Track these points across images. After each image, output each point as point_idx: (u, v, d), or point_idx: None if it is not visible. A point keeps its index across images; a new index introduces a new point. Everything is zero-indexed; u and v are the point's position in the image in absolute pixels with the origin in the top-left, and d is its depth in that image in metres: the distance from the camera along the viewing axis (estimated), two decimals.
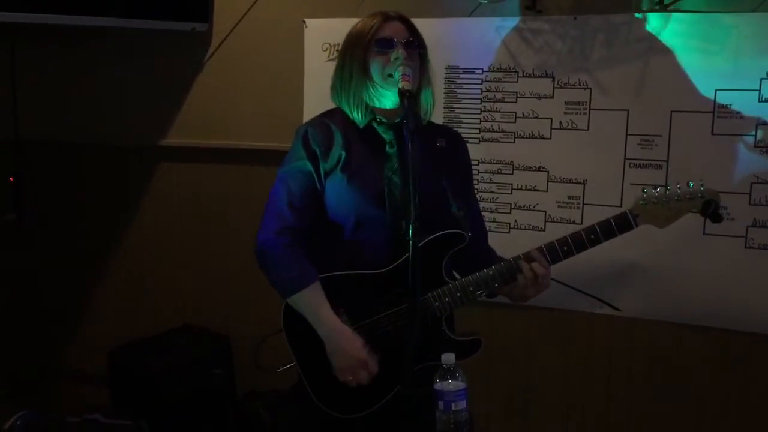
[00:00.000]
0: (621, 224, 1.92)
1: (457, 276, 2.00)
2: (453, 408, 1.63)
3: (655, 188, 1.93)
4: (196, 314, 3.53)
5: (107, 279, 3.75)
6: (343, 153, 1.97)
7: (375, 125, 2.00)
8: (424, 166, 1.96)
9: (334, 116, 2.04)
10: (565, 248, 1.93)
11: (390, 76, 1.90)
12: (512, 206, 2.90)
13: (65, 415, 2.98)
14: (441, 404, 1.64)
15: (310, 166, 1.98)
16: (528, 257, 1.93)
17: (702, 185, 1.90)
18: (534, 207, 2.87)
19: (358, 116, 1.99)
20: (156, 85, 3.48)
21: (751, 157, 2.56)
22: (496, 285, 1.95)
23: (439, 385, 1.64)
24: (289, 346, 2.02)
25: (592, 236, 1.92)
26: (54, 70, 3.64)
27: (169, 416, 3.11)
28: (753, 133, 2.55)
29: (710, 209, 1.89)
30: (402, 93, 1.82)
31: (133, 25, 3.06)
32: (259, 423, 3.10)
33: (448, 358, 1.67)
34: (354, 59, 1.97)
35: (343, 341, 1.91)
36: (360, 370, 1.90)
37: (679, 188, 1.91)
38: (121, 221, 3.66)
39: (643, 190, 1.93)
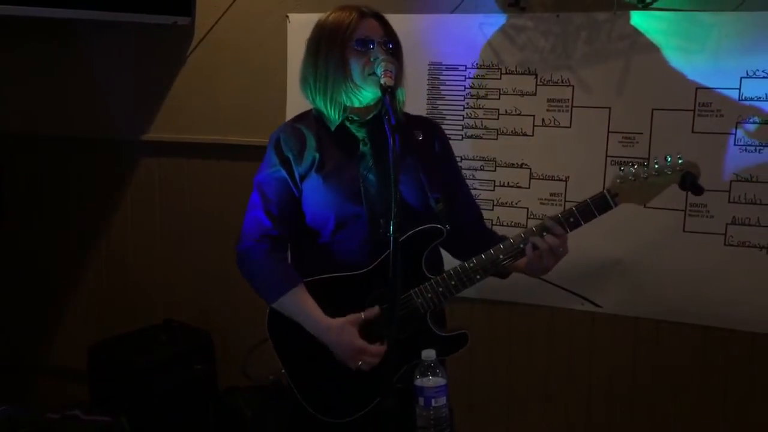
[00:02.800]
0: (599, 204, 1.87)
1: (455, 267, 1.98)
2: (433, 404, 1.63)
3: (632, 165, 1.88)
4: (178, 310, 3.51)
5: (88, 274, 3.72)
6: (317, 155, 1.96)
7: (347, 124, 1.98)
8: (402, 161, 1.94)
9: (305, 119, 2.03)
10: (544, 233, 1.88)
11: (371, 74, 1.88)
12: (494, 203, 2.90)
13: (45, 412, 2.96)
14: (421, 400, 1.64)
15: (284, 173, 1.97)
16: (542, 228, 1.88)
17: (680, 158, 1.84)
18: (516, 204, 2.88)
19: (333, 114, 1.96)
20: (138, 79, 3.45)
21: (730, 155, 2.58)
22: (479, 278, 1.93)
23: (419, 381, 1.64)
24: (277, 354, 2.01)
25: (572, 219, 1.88)
26: (34, 64, 3.60)
27: (149, 412, 3.09)
28: (733, 131, 2.57)
29: (687, 182, 1.82)
30: (384, 89, 1.80)
31: (114, 18, 3.03)
32: (240, 418, 3.09)
33: (429, 354, 1.66)
34: (331, 57, 1.92)
35: (337, 335, 1.90)
36: (364, 356, 1.88)
37: (656, 163, 1.86)
38: (102, 216, 3.63)
39: (620, 168, 1.88)
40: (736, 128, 2.57)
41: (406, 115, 2.10)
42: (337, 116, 1.97)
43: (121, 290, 3.65)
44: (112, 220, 3.63)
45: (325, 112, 1.97)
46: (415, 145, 2.02)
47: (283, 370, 2.02)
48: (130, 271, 3.63)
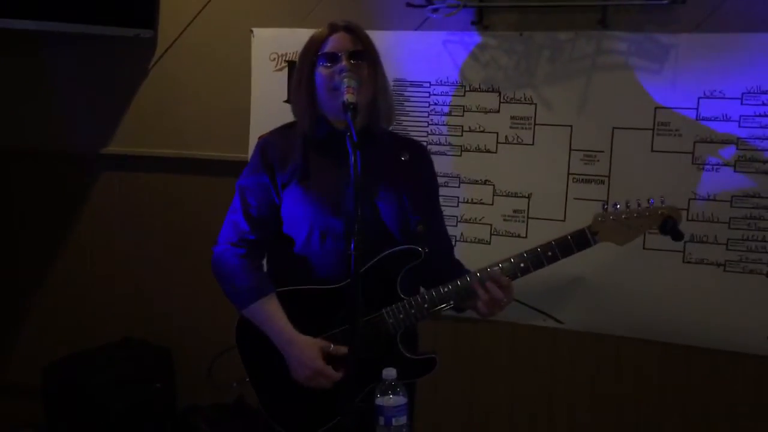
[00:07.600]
0: (579, 241, 1.90)
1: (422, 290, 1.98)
2: (394, 423, 1.63)
3: (615, 205, 1.90)
4: (137, 327, 3.44)
5: (44, 290, 3.64)
6: (301, 163, 1.96)
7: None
8: (385, 180, 1.96)
9: (294, 127, 2.03)
10: (522, 266, 1.90)
11: (334, 89, 1.88)
12: (458, 219, 2.91)
13: None
14: (381, 419, 1.63)
15: (266, 178, 1.97)
16: (486, 276, 1.90)
17: (663, 202, 1.88)
18: (480, 220, 2.89)
19: (308, 128, 1.97)
20: (98, 92, 3.39)
21: (689, 174, 2.62)
22: (452, 302, 1.93)
23: (380, 401, 1.63)
24: (243, 362, 2.00)
25: (549, 254, 1.90)
26: None
27: None
28: (691, 150, 2.61)
29: (668, 227, 1.86)
30: (346, 106, 1.80)
31: (75, 30, 2.99)
32: None
33: (389, 372, 1.66)
34: (302, 74, 1.96)
35: (299, 351, 1.89)
36: (319, 378, 1.88)
37: (639, 205, 1.89)
38: (60, 231, 3.56)
39: (603, 207, 1.91)
40: (694, 147, 2.61)
41: (394, 134, 2.11)
42: (310, 130, 1.97)
43: (79, 307, 3.57)
44: (70, 235, 3.56)
45: (301, 125, 1.98)
46: (400, 166, 2.02)
47: (246, 379, 2.00)
48: (88, 287, 3.56)
